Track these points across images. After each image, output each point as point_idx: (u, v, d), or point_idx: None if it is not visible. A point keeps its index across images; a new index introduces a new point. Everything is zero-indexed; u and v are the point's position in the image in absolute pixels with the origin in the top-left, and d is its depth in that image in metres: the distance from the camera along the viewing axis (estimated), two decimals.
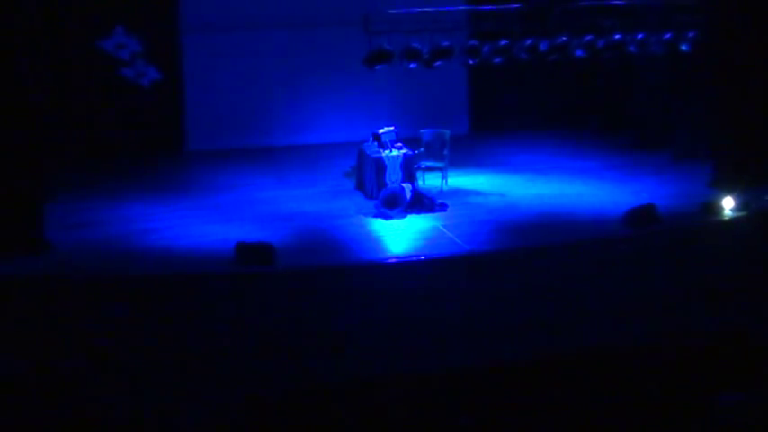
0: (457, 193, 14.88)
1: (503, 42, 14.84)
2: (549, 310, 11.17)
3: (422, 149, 15.18)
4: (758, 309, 11.12)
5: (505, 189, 15.03)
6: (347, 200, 14.60)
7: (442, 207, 14.14)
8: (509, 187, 15.11)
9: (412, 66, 14.71)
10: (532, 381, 9.78)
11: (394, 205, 13.74)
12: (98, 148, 16.24)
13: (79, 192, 14.74)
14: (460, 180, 15.39)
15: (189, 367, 10.00)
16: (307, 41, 17.26)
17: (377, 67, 14.57)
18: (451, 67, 15.47)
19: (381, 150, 14.63)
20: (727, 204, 13.48)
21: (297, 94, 17.38)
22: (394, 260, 12.36)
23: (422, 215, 13.85)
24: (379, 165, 14.43)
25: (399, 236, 13.19)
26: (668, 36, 15.28)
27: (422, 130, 15.44)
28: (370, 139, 15.03)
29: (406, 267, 12.22)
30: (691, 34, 15.24)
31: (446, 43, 14.65)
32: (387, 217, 13.66)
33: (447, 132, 15.30)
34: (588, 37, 15.09)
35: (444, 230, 13.33)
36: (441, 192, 14.91)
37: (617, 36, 15.16)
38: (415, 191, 14.12)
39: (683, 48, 15.28)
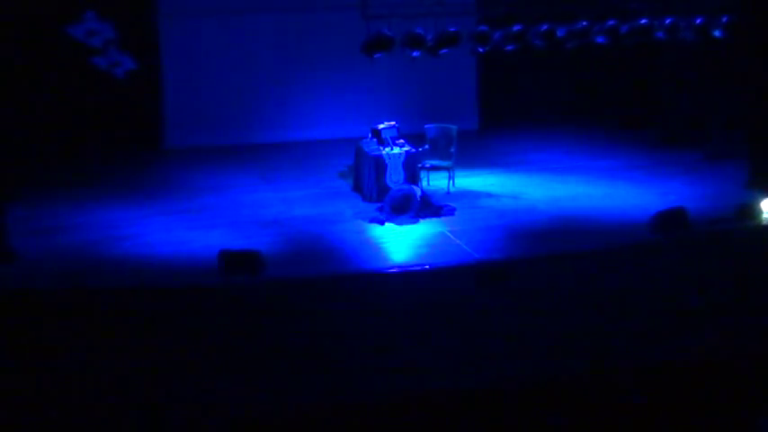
0: (465, 195, 14.87)
1: (516, 28, 14.80)
2: (568, 325, 11.10)
3: (426, 147, 15.15)
4: None
5: (519, 191, 15.02)
6: (343, 203, 14.59)
7: (449, 211, 14.11)
8: (523, 189, 15.11)
9: (415, 54, 14.66)
10: (549, 404, 9.74)
11: (404, 210, 13.76)
12: (66, 145, 16.26)
13: (45, 193, 14.74)
14: (469, 181, 15.39)
15: (164, 387, 9.93)
16: (298, 27, 17.26)
17: (376, 56, 14.53)
18: (459, 55, 15.44)
19: (381, 148, 14.61)
20: (766, 207, 13.45)
21: (287, 86, 17.37)
22: (395, 270, 12.33)
23: (427, 220, 13.83)
24: (379, 164, 14.41)
25: (401, 243, 13.17)
26: (699, 21, 15.23)
27: (426, 126, 15.43)
28: (369, 135, 15.02)
29: (409, 278, 12.19)
30: (725, 19, 15.20)
31: (453, 29, 14.61)
32: (395, 223, 13.66)
33: (454, 128, 15.28)
34: (611, 22, 15.05)
35: (451, 236, 13.30)
36: (447, 194, 14.90)
37: (643, 21, 15.12)
38: (422, 192, 14.15)
39: (716, 34, 15.23)
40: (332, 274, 12.17)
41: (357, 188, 15.00)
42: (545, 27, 14.86)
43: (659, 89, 17.63)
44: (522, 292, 11.77)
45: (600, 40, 15.15)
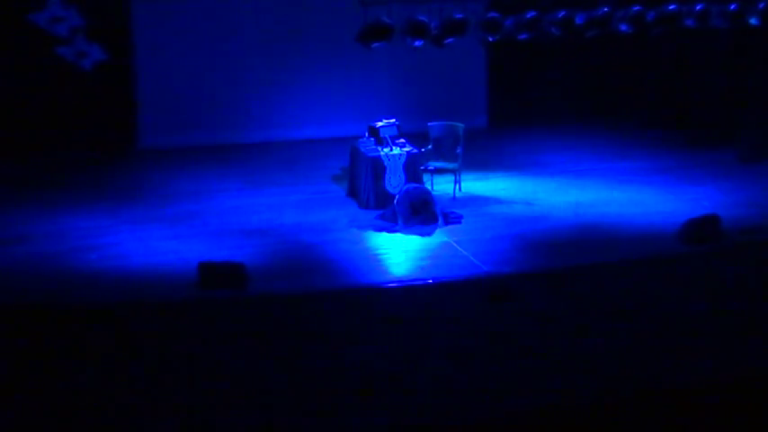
0: (473, 200, 14.87)
1: (530, 14, 14.79)
2: (587, 346, 11.04)
3: (430, 147, 15.16)
4: None
5: (533, 196, 15.03)
6: (337, 209, 14.59)
7: (455, 218, 14.07)
8: (537, 194, 15.12)
9: (417, 44, 14.65)
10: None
11: (421, 212, 13.76)
12: (29, 145, 16.25)
13: (4, 199, 14.73)
14: (477, 185, 15.39)
15: (136, 413, 9.88)
16: (287, 15, 17.28)
17: (374, 46, 14.52)
18: (466, 45, 15.45)
19: (379, 148, 14.61)
20: None
21: (275, 80, 17.37)
22: (395, 284, 12.29)
23: (431, 228, 13.81)
24: (377, 166, 14.41)
25: (402, 254, 13.16)
26: (733, 7, 15.22)
27: (430, 124, 15.42)
28: (366, 134, 15.02)
29: (411, 293, 12.16)
30: (762, 5, 15.20)
31: (459, 15, 14.61)
32: (412, 230, 13.64)
33: (461, 126, 15.27)
34: (635, 8, 15.05)
35: (457, 247, 13.28)
36: (453, 199, 14.89)
37: (671, 7, 15.12)
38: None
39: (752, 21, 15.22)
40: (324, 290, 12.15)
41: (352, 193, 14.98)
42: (562, 14, 14.86)
43: (688, 83, 17.63)
44: (536, 310, 11.71)
45: (623, 28, 15.15)
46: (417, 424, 9.84)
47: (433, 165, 15.05)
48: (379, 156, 14.47)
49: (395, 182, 14.35)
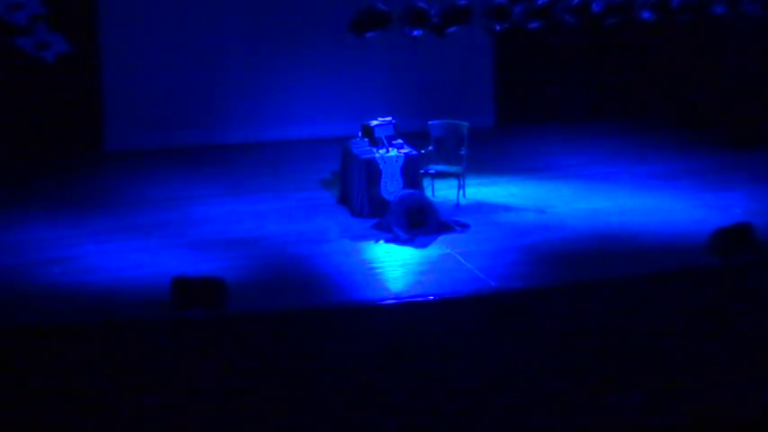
0: (479, 208, 14.90)
1: (541, 0, 14.78)
2: (607, 374, 11.02)
3: (430, 148, 15.17)
4: None
5: (545, 203, 15.05)
6: (327, 218, 14.63)
7: (459, 228, 14.04)
8: (550, 201, 15.14)
9: (416, 33, 14.66)
10: None
11: (420, 222, 13.75)
12: None
13: None
14: (484, 191, 15.43)
15: None
16: (272, 1, 17.26)
17: (368, 35, 14.52)
18: (471, 34, 15.45)
19: (374, 149, 14.62)
20: None
21: (258, 74, 17.41)
22: (392, 301, 12.28)
23: (431, 238, 13.80)
24: (372, 169, 14.42)
25: (399, 268, 13.16)
26: None
27: (430, 122, 15.43)
28: (359, 134, 15.03)
29: (409, 311, 12.15)
30: None
31: (463, 2, 14.61)
32: (404, 241, 13.67)
33: (465, 125, 15.29)
34: None
35: (461, 260, 13.29)
36: (457, 206, 14.90)
37: None
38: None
39: None
40: (313, 308, 12.14)
41: (344, 200, 14.98)
42: (577, 0, 14.85)
43: (718, 77, 17.62)
44: (549, 330, 11.67)
45: (645, 15, 15.16)
46: None
47: (434, 168, 15.04)
48: (374, 158, 14.47)
49: (391, 187, 14.34)
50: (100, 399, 10.54)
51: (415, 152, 14.67)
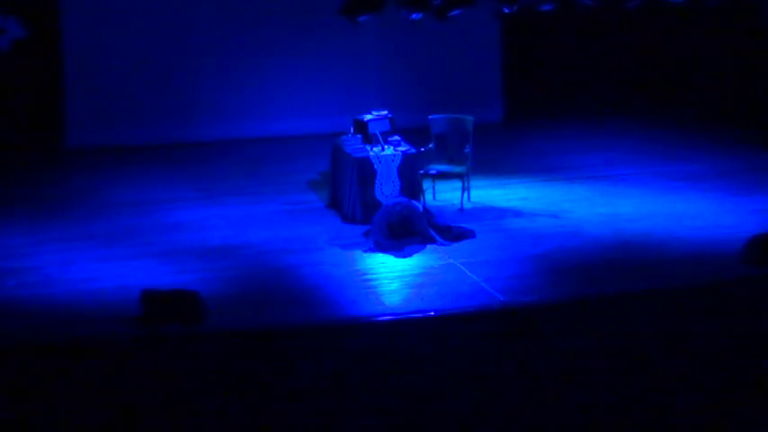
0: (485, 212, 14.92)
1: None
2: (627, 398, 11.02)
3: (431, 146, 15.19)
4: None
5: (560, 207, 15.09)
6: (315, 224, 14.64)
7: (464, 234, 14.09)
8: (566, 204, 15.18)
9: (415, 17, 14.66)
10: None
11: (405, 233, 13.75)
12: None
13: None
14: (491, 193, 15.48)
15: None
16: None
17: (361, 20, 14.53)
18: (476, 18, 15.44)
19: (368, 147, 14.63)
20: None
21: (237, 63, 17.45)
22: (387, 317, 12.27)
23: (431, 247, 13.82)
24: (365, 169, 14.44)
25: (396, 280, 13.15)
26: None
27: (431, 117, 15.45)
28: (351, 130, 15.06)
29: (407, 328, 12.12)
30: None
31: None
32: (389, 251, 13.67)
33: (470, 120, 15.30)
34: None
35: (466, 271, 13.29)
36: (460, 211, 14.92)
37: None
38: (422, 209, 14.16)
39: None
40: (299, 324, 12.11)
41: (334, 203, 15.00)
42: None
43: (755, 69, 17.63)
44: (564, 349, 11.68)
45: None
46: None
47: (435, 168, 15.06)
48: (368, 157, 14.48)
49: (387, 189, 14.34)
50: (60, 427, 10.53)
51: (413, 150, 14.67)
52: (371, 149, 14.57)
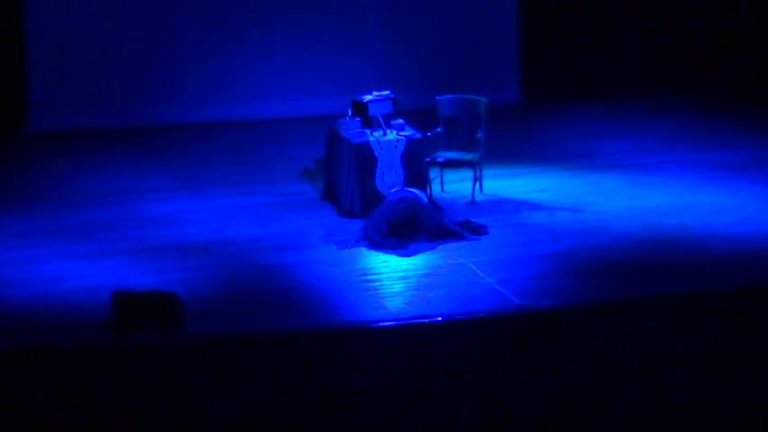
0: (499, 205, 14.97)
1: None
2: (658, 412, 11.01)
3: (439, 130, 15.18)
4: None
5: (584, 200, 15.13)
6: (308, 218, 14.68)
7: (476, 230, 14.08)
8: (590, 197, 15.22)
9: None
10: None
11: (409, 232, 13.76)
12: None
13: None
14: (506, 184, 15.51)
15: None
16: None
17: None
18: None
19: (368, 132, 14.64)
20: None
21: (220, 38, 17.49)
22: (389, 323, 12.26)
23: (439, 245, 13.84)
24: (365, 156, 14.49)
25: (400, 281, 13.19)
26: None
27: (439, 98, 15.45)
28: (349, 112, 15.04)
29: (411, 335, 12.10)
30: None
31: None
32: (383, 249, 13.66)
33: (483, 101, 15.31)
34: None
35: (477, 271, 13.33)
36: (472, 204, 14.95)
37: None
38: (429, 202, 14.17)
39: None
40: (289, 331, 12.09)
41: (330, 195, 15.03)
42: None
43: None
44: (588, 359, 11.66)
45: None
46: None
47: (443, 156, 15.08)
48: (368, 142, 14.51)
49: (389, 179, 14.36)
50: None
51: (419, 135, 14.68)
52: (372, 134, 14.59)
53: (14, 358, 11.54)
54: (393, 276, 13.28)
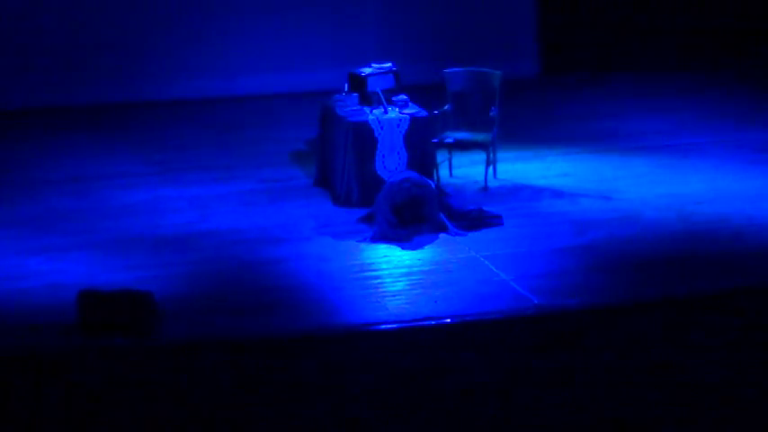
0: (516, 192, 15.03)
1: None
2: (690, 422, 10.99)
3: (447, 108, 15.19)
4: None
5: (610, 186, 15.17)
6: (299, 207, 14.72)
7: (489, 220, 14.10)
8: (617, 182, 15.25)
9: None
10: None
11: (415, 218, 13.77)
12: None
13: None
14: (523, 168, 15.57)
15: None
16: None
17: None
18: None
19: (367, 109, 14.65)
20: None
21: (200, 2, 17.53)
22: (391, 325, 12.26)
23: (445, 237, 13.85)
24: (364, 137, 14.51)
25: (402, 278, 13.18)
26: None
27: (447, 71, 15.45)
28: (346, 87, 15.08)
29: (415, 339, 12.15)
30: None
31: None
32: (395, 242, 13.70)
33: (497, 75, 15.33)
34: None
35: (490, 266, 13.32)
36: (485, 190, 14.97)
37: None
38: (436, 189, 14.20)
39: None
40: (278, 334, 12.12)
41: (323, 180, 15.07)
42: None
43: None
44: (612, 364, 11.65)
45: None
46: None
47: (452, 136, 15.10)
48: (367, 121, 14.51)
49: (391, 162, 14.36)
50: None
51: (424, 113, 14.68)
52: (371, 112, 14.59)
53: None
54: (395, 273, 13.27)
